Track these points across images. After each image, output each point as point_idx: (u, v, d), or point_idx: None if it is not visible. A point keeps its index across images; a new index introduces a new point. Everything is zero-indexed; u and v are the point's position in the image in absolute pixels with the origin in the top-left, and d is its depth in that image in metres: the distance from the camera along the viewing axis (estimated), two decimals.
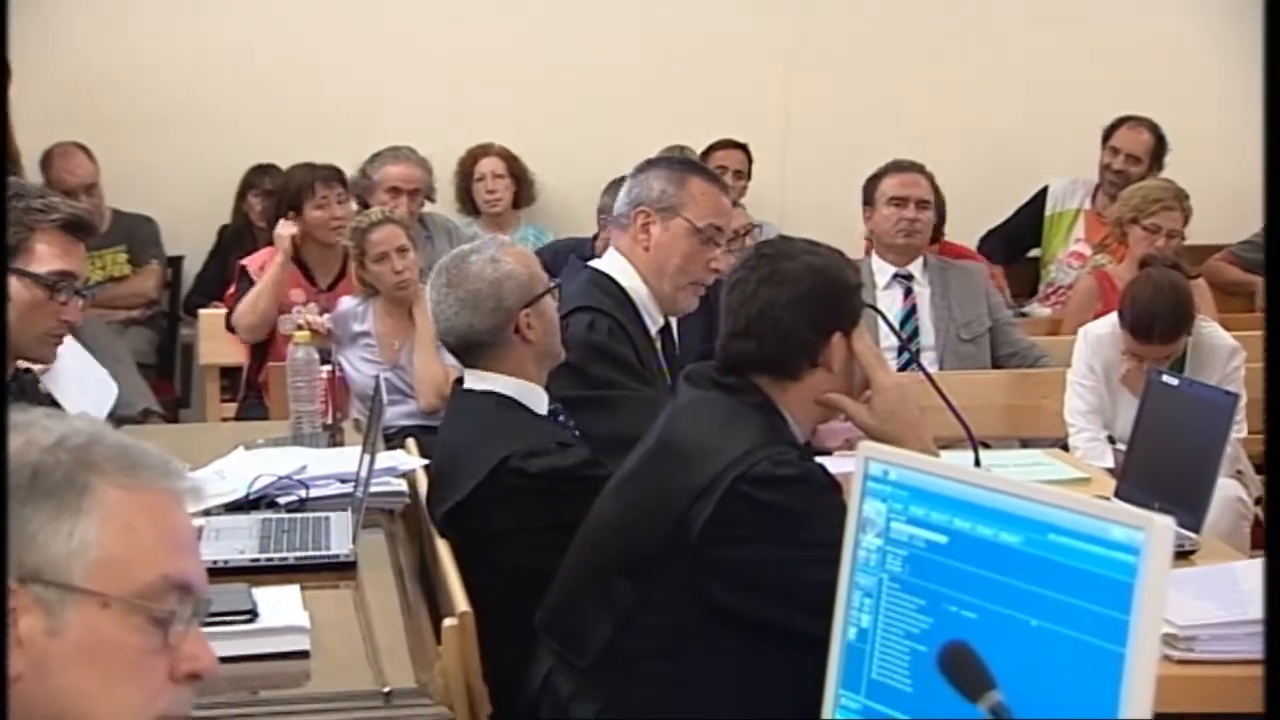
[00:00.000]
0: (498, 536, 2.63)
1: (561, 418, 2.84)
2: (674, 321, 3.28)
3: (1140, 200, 4.82)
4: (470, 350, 2.79)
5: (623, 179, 3.28)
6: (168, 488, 1.29)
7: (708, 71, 6.08)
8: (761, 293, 2.26)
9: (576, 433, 2.84)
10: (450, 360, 4.15)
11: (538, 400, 2.80)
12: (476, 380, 2.81)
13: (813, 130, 6.14)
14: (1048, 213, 5.82)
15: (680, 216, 3.10)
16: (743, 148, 5.89)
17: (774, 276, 2.27)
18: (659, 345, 3.19)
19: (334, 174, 4.79)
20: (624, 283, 3.12)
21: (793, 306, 2.25)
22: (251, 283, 4.73)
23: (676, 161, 3.23)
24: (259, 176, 5.63)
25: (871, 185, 4.67)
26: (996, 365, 4.58)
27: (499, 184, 5.77)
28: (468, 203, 5.85)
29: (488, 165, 5.78)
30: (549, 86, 6.03)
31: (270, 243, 4.95)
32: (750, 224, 4.94)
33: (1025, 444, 4.21)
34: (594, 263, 3.21)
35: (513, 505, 2.63)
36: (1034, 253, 5.84)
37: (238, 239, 5.64)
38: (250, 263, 4.80)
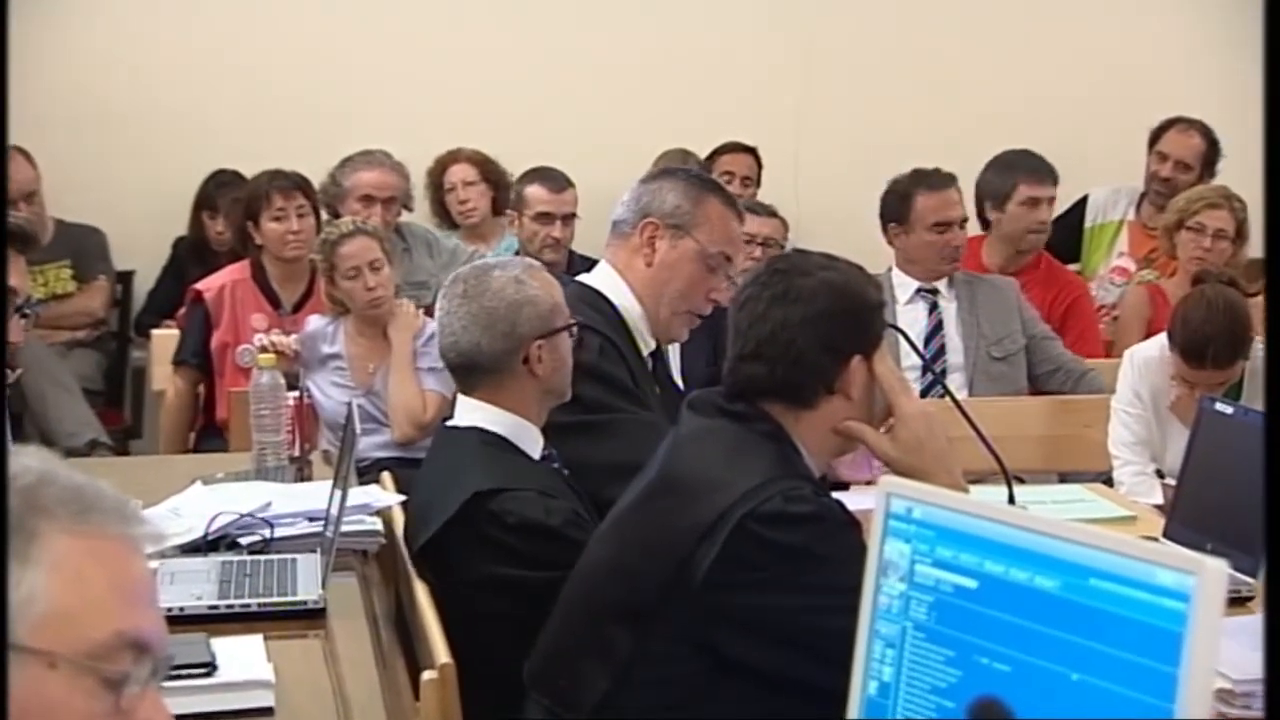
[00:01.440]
0: (473, 583, 2.64)
1: (556, 464, 2.84)
2: (675, 344, 3.29)
3: (1185, 201, 4.86)
4: (470, 372, 2.80)
5: None
6: (124, 534, 1.28)
7: (715, 70, 6.11)
8: (773, 312, 2.27)
9: (569, 479, 2.83)
10: (430, 385, 4.21)
11: (531, 441, 2.80)
12: (467, 410, 2.81)
13: (828, 133, 6.17)
14: (1087, 224, 5.83)
15: (691, 237, 3.12)
16: (751, 151, 5.91)
17: (787, 294, 2.27)
18: (652, 368, 3.20)
19: (295, 183, 4.76)
20: (616, 300, 3.13)
21: (808, 327, 2.25)
22: (205, 313, 4.70)
23: (695, 177, 3.24)
24: (218, 187, 5.63)
25: (902, 203, 4.64)
26: (1036, 384, 4.59)
27: (472, 192, 5.78)
28: (444, 215, 5.87)
29: (458, 173, 5.79)
30: (541, 88, 6.06)
31: (233, 259, 4.95)
32: (772, 238, 4.94)
33: (1064, 478, 4.22)
34: (583, 277, 3.22)
35: (487, 550, 2.63)
36: (1073, 267, 5.86)
37: (195, 254, 5.65)
38: (207, 287, 4.76)
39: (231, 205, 5.28)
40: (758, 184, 5.89)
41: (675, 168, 3.25)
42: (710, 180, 3.31)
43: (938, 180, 4.65)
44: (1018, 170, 5.07)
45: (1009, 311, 4.63)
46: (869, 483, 2.99)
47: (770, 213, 5.07)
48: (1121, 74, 6.19)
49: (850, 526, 2.15)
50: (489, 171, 5.81)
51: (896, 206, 4.66)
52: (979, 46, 6.24)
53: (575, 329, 2.86)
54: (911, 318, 4.56)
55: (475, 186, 5.78)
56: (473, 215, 5.79)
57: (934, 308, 4.63)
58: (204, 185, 5.70)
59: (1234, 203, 4.83)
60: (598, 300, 3.12)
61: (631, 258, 3.15)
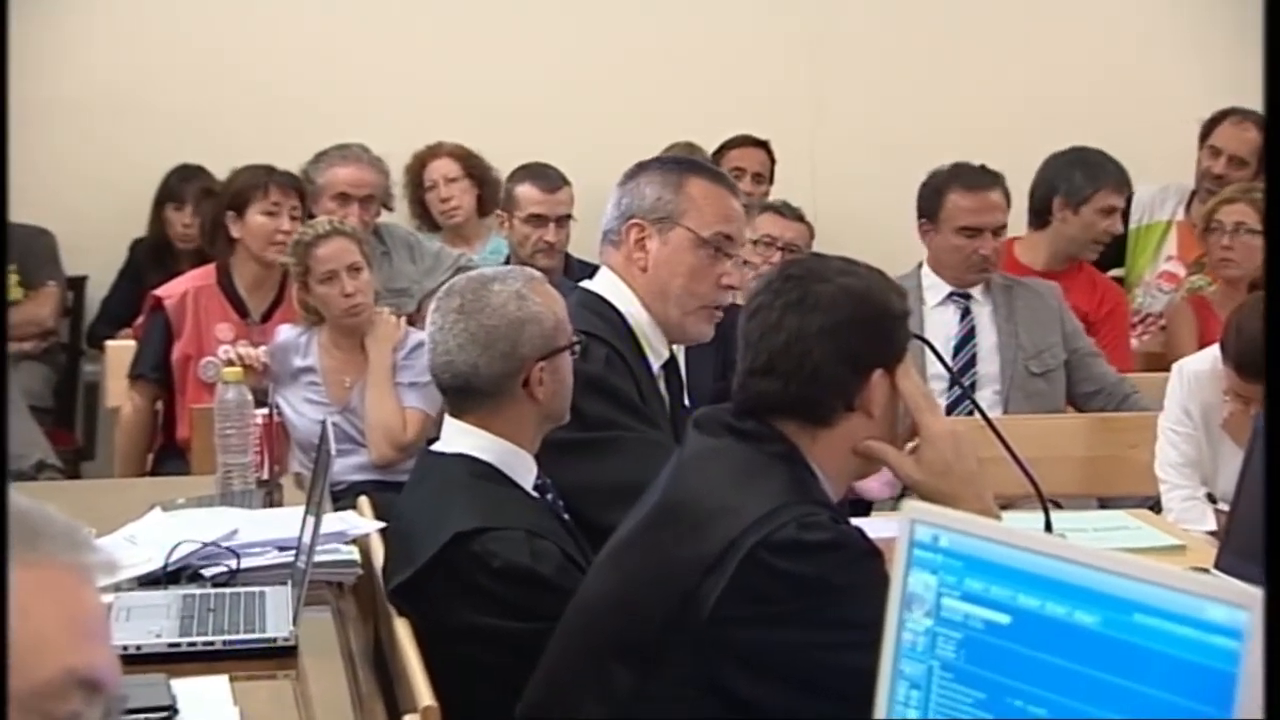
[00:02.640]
0: (453, 631, 2.63)
1: (550, 495, 2.84)
2: (680, 355, 3.30)
3: (1211, 202, 4.89)
4: (464, 394, 2.79)
5: None
6: (74, 563, 1.28)
7: (725, 59, 6.13)
8: (787, 321, 2.27)
9: (566, 515, 2.84)
10: (412, 402, 4.21)
11: (524, 470, 2.80)
12: (456, 435, 2.80)
13: (848, 128, 6.18)
14: (1132, 225, 5.83)
15: (680, 226, 3.12)
16: (763, 145, 5.92)
17: (803, 302, 2.28)
18: (663, 383, 3.20)
19: (294, 182, 4.80)
20: (621, 307, 3.13)
21: (825, 338, 2.26)
22: (165, 322, 4.70)
23: (671, 161, 3.26)
24: (182, 181, 5.65)
25: (935, 197, 4.64)
26: (1076, 405, 4.59)
27: (454, 189, 5.79)
28: (425, 216, 5.88)
29: (438, 169, 5.80)
30: (534, 77, 6.08)
31: (197, 262, 4.95)
32: (795, 243, 4.94)
33: (1107, 504, 4.22)
34: (586, 284, 3.23)
35: (468, 596, 2.63)
36: (1115, 273, 5.86)
37: (156, 257, 5.66)
38: (167, 294, 4.76)
39: (202, 197, 5.27)
40: (770, 180, 5.90)
41: (650, 159, 3.24)
42: (688, 161, 3.33)
43: (976, 179, 4.63)
44: (1105, 175, 5.11)
45: (1050, 321, 4.62)
46: (901, 495, 3.00)
47: (797, 216, 5.06)
48: (1188, 56, 6.20)
49: (871, 556, 2.16)
50: (472, 167, 5.82)
51: (929, 201, 4.67)
52: (1021, 26, 6.25)
53: (577, 346, 2.86)
54: (941, 323, 4.56)
55: (458, 183, 5.79)
56: (456, 215, 5.80)
57: (966, 313, 4.63)
58: (167, 179, 5.71)
59: (1254, 194, 4.85)
60: (604, 307, 3.13)
61: (627, 264, 3.16)
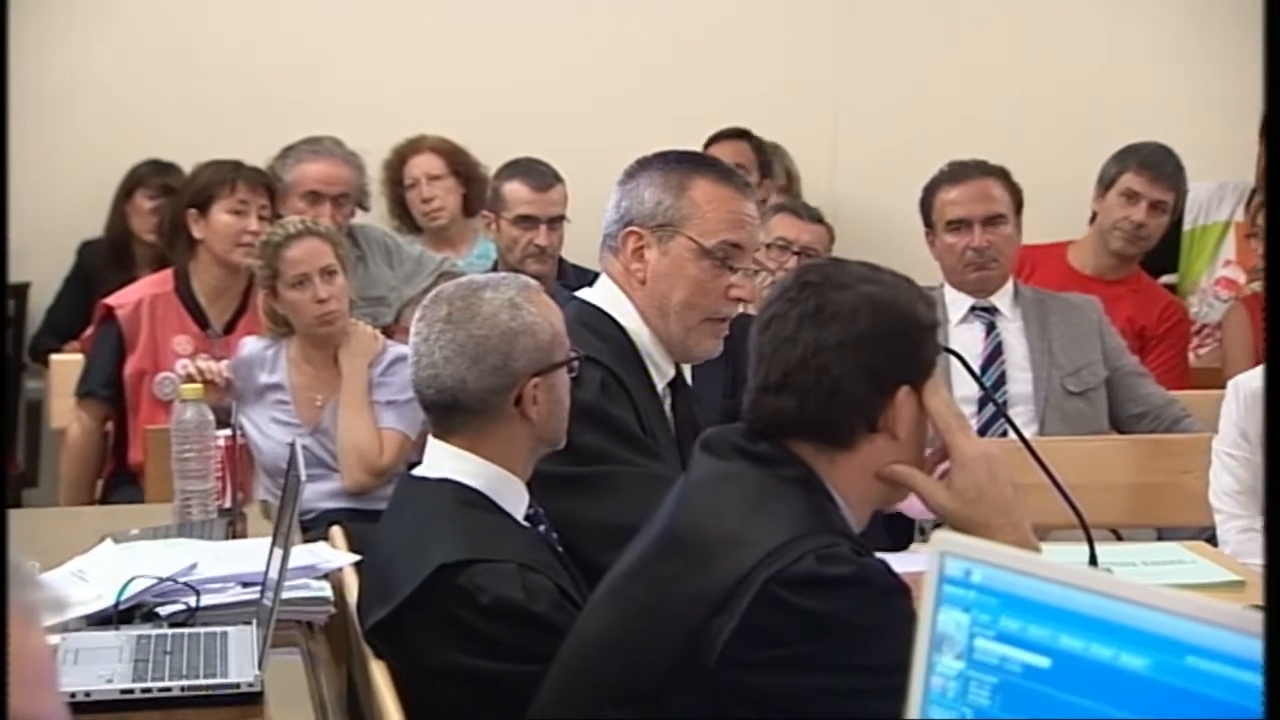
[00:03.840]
0: (435, 673, 2.63)
1: (542, 526, 2.84)
2: (688, 371, 3.29)
3: (1261, 200, 4.91)
4: (450, 412, 2.79)
5: None
6: (16, 600, 1.29)
7: (739, 50, 6.14)
8: (804, 333, 2.27)
9: (560, 548, 2.84)
10: (389, 422, 4.22)
11: (515, 498, 2.80)
12: (440, 459, 2.80)
13: (873, 121, 6.19)
14: (1186, 227, 5.84)
15: (682, 234, 3.11)
16: (745, 136, 5.90)
17: (821, 311, 2.28)
18: (668, 404, 3.20)
19: (264, 180, 4.82)
20: (623, 322, 3.14)
21: (846, 352, 2.26)
22: (118, 333, 4.70)
23: (675, 159, 3.19)
24: (156, 174, 5.65)
25: (928, 199, 4.72)
26: (1120, 429, 4.59)
27: (437, 188, 5.80)
28: (405, 216, 5.89)
29: (420, 165, 5.82)
30: (526, 65, 6.09)
31: (157, 267, 4.95)
32: (812, 246, 4.95)
33: (1161, 535, 4.22)
34: (584, 293, 3.23)
35: (454, 635, 2.62)
36: (1168, 279, 5.87)
37: (116, 257, 5.66)
38: (120, 302, 4.77)
39: (162, 194, 5.27)
40: (762, 176, 5.86)
41: (653, 155, 3.22)
42: (693, 156, 3.25)
43: (962, 170, 4.68)
44: (1131, 157, 5.21)
45: (1088, 336, 4.63)
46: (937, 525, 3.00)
47: (815, 217, 5.06)
48: (1222, 58, 6.21)
49: (897, 592, 2.16)
50: (458, 163, 5.83)
51: (925, 207, 4.74)
52: (1058, 16, 6.28)
53: (576, 363, 2.86)
54: (966, 340, 4.57)
55: (441, 181, 5.80)
56: (439, 216, 5.81)
57: (991, 329, 4.64)
58: (132, 173, 5.71)
59: None
60: (602, 322, 3.12)
61: (626, 275, 3.15)
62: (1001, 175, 4.68)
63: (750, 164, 5.84)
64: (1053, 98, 6.24)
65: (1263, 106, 1.81)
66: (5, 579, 1.23)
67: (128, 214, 5.71)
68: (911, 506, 3.09)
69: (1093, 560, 2.50)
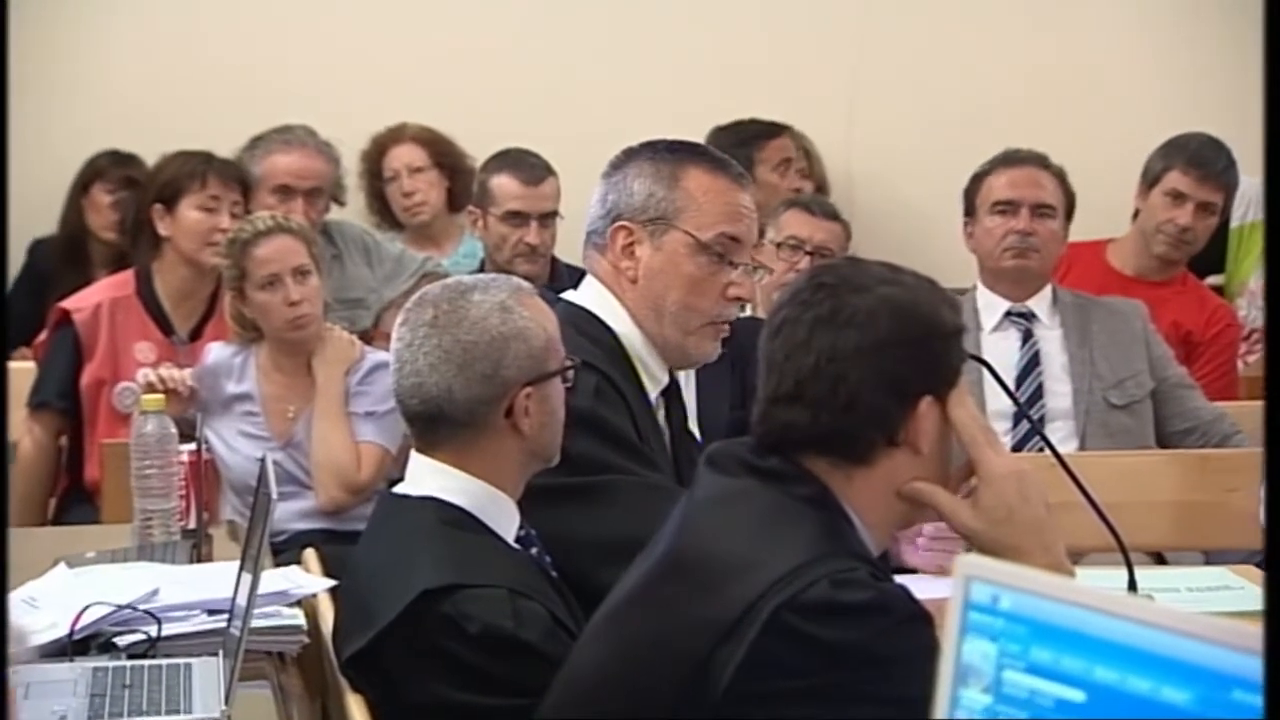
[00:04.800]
0: (417, 708, 2.64)
1: (534, 549, 2.85)
2: (684, 379, 3.29)
3: None
4: (435, 424, 2.79)
5: None
6: None
7: (749, 31, 6.13)
8: (819, 339, 2.27)
9: (554, 571, 2.84)
10: (367, 435, 4.22)
11: (506, 518, 2.80)
12: (424, 475, 2.80)
13: (892, 110, 6.18)
14: (1234, 223, 5.85)
15: (676, 229, 3.12)
16: (784, 131, 5.91)
17: (836, 316, 2.27)
18: (663, 413, 3.20)
19: (237, 175, 4.83)
20: (613, 325, 3.14)
21: (864, 359, 2.26)
22: (74, 339, 4.69)
23: (663, 148, 3.20)
24: (116, 166, 5.65)
25: (973, 188, 4.75)
26: (1165, 446, 4.59)
27: (420, 181, 5.81)
28: (385, 212, 5.89)
29: (400, 157, 5.82)
30: (521, 53, 6.08)
31: (116, 267, 4.95)
32: (826, 246, 4.94)
33: (1208, 558, 4.22)
34: (570, 295, 3.23)
35: (438, 666, 2.62)
36: (1213, 280, 5.87)
37: (71, 257, 5.65)
38: (77, 306, 4.76)
39: (125, 188, 5.27)
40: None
41: (641, 144, 3.22)
42: (684, 145, 3.25)
43: (1015, 156, 4.73)
44: (1178, 154, 5.18)
45: (1133, 345, 4.63)
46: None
47: (830, 213, 5.02)
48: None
49: (919, 620, 2.16)
50: (442, 154, 5.83)
51: (969, 193, 4.76)
52: None
53: (571, 372, 2.86)
54: (1000, 349, 4.57)
55: (424, 174, 5.81)
56: (421, 211, 5.81)
57: (1028, 337, 4.65)
58: (89, 164, 5.71)
59: None
60: (592, 325, 3.12)
61: (615, 274, 3.15)
62: (1059, 174, 4.71)
63: (797, 159, 5.86)
64: (1085, 81, 6.24)
65: (1264, 105, 1.82)
66: (5, 579, 1.24)
67: (84, 209, 5.71)
68: (915, 556, 3.09)
69: (1132, 586, 2.51)
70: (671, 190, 3.12)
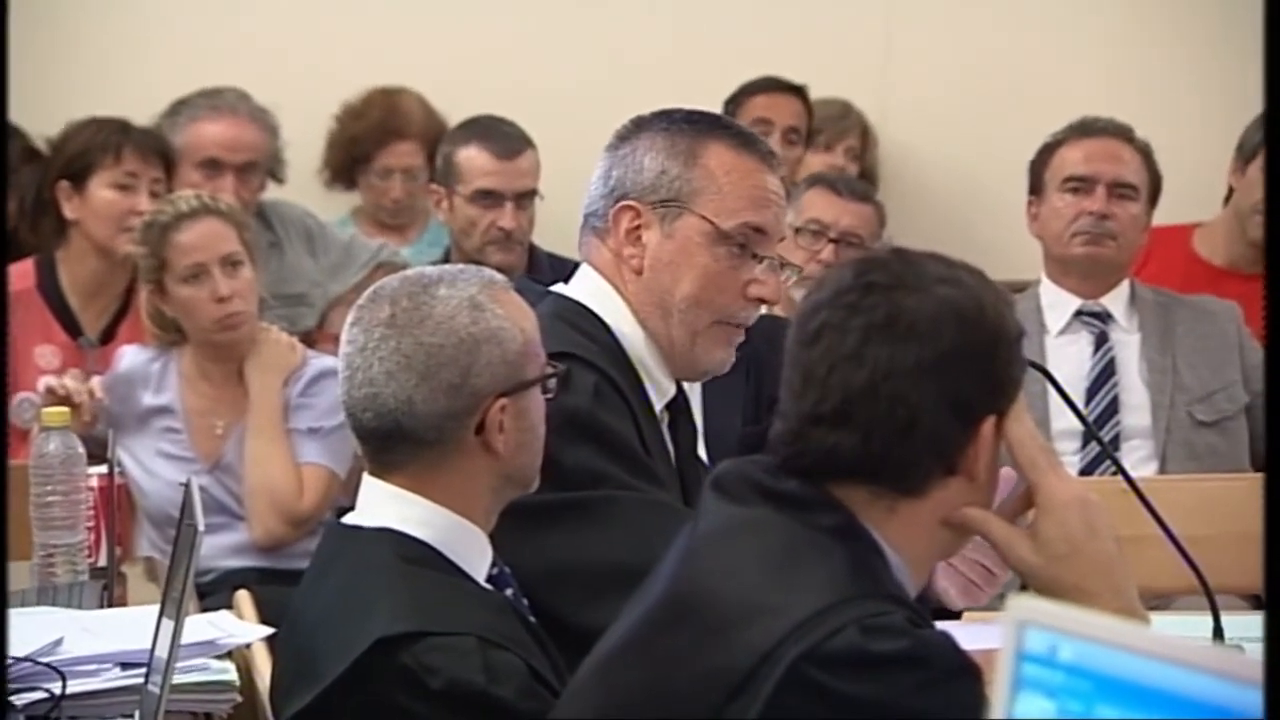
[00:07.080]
0: None
1: (509, 590, 2.86)
2: (692, 390, 3.31)
3: None
4: (391, 443, 2.79)
5: None
6: None
7: None
8: (871, 351, 2.25)
9: (532, 617, 2.85)
10: (311, 456, 4.23)
11: (476, 553, 2.80)
12: (379, 502, 2.80)
13: (929, 85, 6.20)
14: None
15: (692, 212, 3.12)
16: (797, 92, 5.91)
17: (894, 324, 2.26)
18: (667, 428, 3.22)
19: (158, 148, 4.84)
20: (610, 322, 3.15)
21: (927, 378, 2.24)
22: None
23: (681, 119, 3.19)
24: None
25: (1043, 158, 4.76)
26: (1261, 469, 4.60)
27: (414, 187, 5.82)
28: (342, 179, 5.91)
29: (402, 156, 5.84)
30: (499, 8, 6.10)
31: (26, 253, 4.95)
32: (853, 231, 4.93)
33: None
34: (560, 288, 3.24)
35: None
36: None
37: None
38: None
39: (23, 163, 5.27)
40: (807, 141, 5.88)
41: (654, 114, 3.22)
42: (706, 116, 3.23)
43: (1096, 126, 4.74)
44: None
45: (1225, 352, 4.63)
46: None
47: (859, 194, 4.93)
48: None
49: (964, 674, 2.17)
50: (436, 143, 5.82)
51: (1037, 168, 4.77)
52: None
53: (553, 380, 2.86)
54: (1069, 356, 4.57)
55: (418, 181, 5.79)
56: (403, 218, 5.86)
57: (1102, 341, 4.65)
58: None
59: None
60: (587, 321, 3.13)
61: (616, 264, 3.16)
62: (1144, 150, 4.72)
63: (801, 123, 5.84)
64: (1165, 43, 6.24)
65: (1264, 105, 1.85)
66: (4, 580, 1.27)
67: None
68: (949, 593, 3.07)
69: (1218, 634, 2.52)
70: (689, 168, 3.12)
